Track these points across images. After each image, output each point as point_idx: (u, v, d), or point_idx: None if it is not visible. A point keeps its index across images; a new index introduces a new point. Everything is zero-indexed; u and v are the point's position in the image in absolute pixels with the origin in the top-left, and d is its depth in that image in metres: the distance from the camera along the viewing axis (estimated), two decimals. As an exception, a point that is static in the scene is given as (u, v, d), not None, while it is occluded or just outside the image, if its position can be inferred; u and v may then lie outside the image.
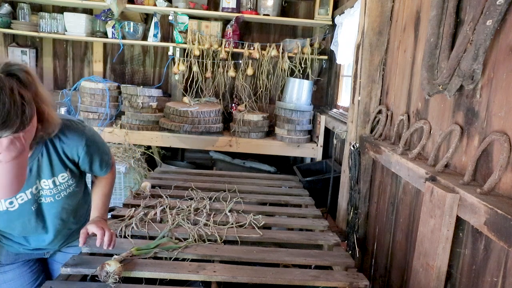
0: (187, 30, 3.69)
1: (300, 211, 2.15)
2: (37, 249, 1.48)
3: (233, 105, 3.90)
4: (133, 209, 1.88)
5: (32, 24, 3.68)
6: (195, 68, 3.74)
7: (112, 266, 1.25)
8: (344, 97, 3.50)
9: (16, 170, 1.02)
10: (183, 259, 1.48)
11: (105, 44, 4.05)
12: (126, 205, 1.99)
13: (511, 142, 1.09)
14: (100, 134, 1.48)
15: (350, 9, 2.96)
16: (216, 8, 3.87)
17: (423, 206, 1.39)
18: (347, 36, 3.04)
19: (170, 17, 3.63)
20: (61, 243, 1.51)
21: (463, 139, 1.33)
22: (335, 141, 3.03)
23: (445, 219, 1.24)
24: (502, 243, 0.98)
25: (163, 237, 1.61)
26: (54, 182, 1.33)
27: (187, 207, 1.96)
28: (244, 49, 3.71)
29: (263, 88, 3.86)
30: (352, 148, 2.17)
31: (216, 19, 3.83)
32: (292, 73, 3.74)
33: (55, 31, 3.68)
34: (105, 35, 3.78)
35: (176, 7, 3.63)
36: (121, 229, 1.65)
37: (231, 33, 3.69)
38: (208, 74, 3.81)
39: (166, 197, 2.10)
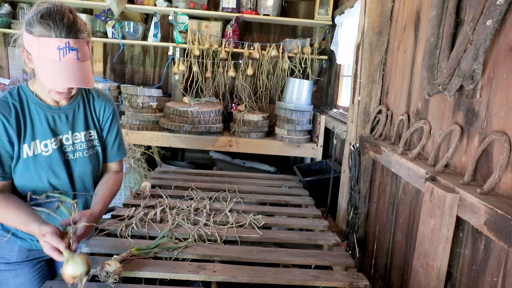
0: (187, 30, 3.69)
1: (300, 211, 2.15)
2: None
3: (233, 105, 3.90)
4: (133, 209, 1.88)
5: (32, 24, 3.68)
6: (195, 68, 3.74)
7: (112, 266, 1.25)
8: (344, 97, 3.50)
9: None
10: (183, 259, 1.47)
11: (105, 44, 4.05)
12: (126, 205, 1.99)
13: (511, 142, 1.09)
14: None
15: (350, 9, 2.96)
16: (216, 8, 3.87)
17: (423, 206, 1.39)
18: (347, 36, 3.04)
19: (170, 17, 3.63)
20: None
21: (463, 139, 1.33)
22: (335, 141, 3.03)
23: (445, 219, 1.24)
24: (502, 243, 0.98)
25: (163, 237, 1.60)
26: (85, 136, 1.43)
27: (187, 207, 1.96)
28: (244, 49, 3.71)
29: (263, 88, 3.85)
30: (352, 148, 2.17)
31: (216, 19, 3.84)
32: (292, 73, 3.74)
33: (55, 31, 3.67)
34: (105, 35, 3.77)
35: (176, 7, 3.63)
36: (121, 229, 1.65)
37: (231, 33, 3.69)
38: (208, 74, 3.81)
39: (166, 197, 2.10)
